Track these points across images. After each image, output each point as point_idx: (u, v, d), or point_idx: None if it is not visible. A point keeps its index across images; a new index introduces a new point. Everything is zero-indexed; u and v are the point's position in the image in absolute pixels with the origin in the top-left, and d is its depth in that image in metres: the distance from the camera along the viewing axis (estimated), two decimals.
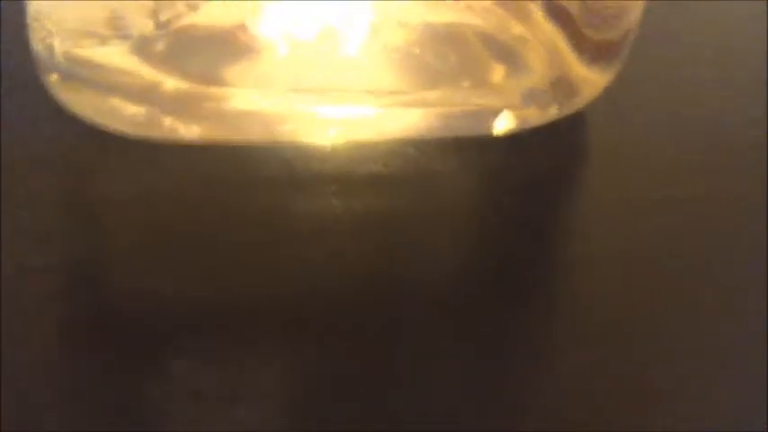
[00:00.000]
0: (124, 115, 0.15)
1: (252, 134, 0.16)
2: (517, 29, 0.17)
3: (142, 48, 0.15)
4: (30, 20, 0.15)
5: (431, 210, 0.16)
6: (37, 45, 0.15)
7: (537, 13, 0.17)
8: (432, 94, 0.17)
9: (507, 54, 0.17)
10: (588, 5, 0.17)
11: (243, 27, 0.16)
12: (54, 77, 0.15)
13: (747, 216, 0.17)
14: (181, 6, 0.15)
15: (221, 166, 0.16)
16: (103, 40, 0.15)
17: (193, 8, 0.15)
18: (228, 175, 0.16)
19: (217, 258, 0.14)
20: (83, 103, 0.15)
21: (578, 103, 0.18)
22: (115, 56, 0.15)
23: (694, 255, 0.16)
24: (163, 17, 0.15)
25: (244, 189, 0.15)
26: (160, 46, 0.15)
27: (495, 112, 0.17)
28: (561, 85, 0.18)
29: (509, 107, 0.17)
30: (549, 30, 0.17)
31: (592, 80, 0.18)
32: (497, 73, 0.17)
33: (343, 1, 0.16)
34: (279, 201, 0.15)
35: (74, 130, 0.15)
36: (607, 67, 0.18)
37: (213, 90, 0.15)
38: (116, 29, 0.15)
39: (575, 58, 0.18)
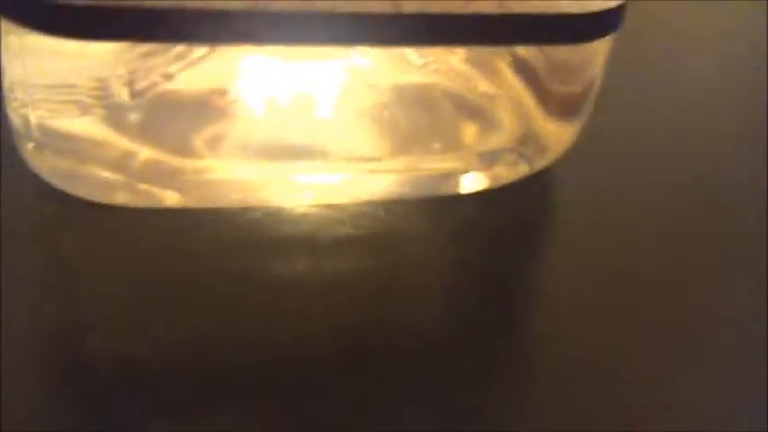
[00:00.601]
0: (99, 184, 0.16)
1: (228, 201, 0.16)
2: (485, 86, 0.18)
3: (117, 118, 0.15)
4: (5, 90, 0.15)
5: (399, 271, 0.16)
6: (12, 114, 0.15)
7: (504, 69, 0.18)
8: (404, 159, 0.17)
9: (477, 112, 0.18)
10: (552, 60, 0.17)
11: (217, 92, 0.16)
12: (30, 146, 0.16)
13: (716, 278, 0.17)
14: (156, 76, 0.16)
15: (191, 229, 0.16)
16: (78, 110, 0.15)
17: (168, 78, 0.16)
18: (199, 239, 0.16)
19: (187, 319, 0.15)
20: (58, 172, 0.16)
21: (547, 158, 0.18)
22: (90, 126, 0.15)
23: (661, 311, 0.16)
24: (138, 86, 0.16)
25: (215, 251, 0.16)
26: (134, 116, 0.16)
27: (465, 172, 0.18)
28: (530, 142, 0.18)
29: (479, 166, 0.18)
30: (516, 85, 0.18)
31: (559, 134, 0.18)
32: (468, 133, 0.18)
33: (315, 63, 0.16)
34: (249, 263, 0.16)
35: (49, 196, 0.16)
36: (572, 119, 0.18)
37: (188, 161, 0.16)
38: (91, 99, 0.15)
39: (541, 112, 0.18)
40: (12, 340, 0.14)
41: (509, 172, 0.18)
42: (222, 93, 0.16)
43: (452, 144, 0.18)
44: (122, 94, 0.15)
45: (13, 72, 0.15)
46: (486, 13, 0.15)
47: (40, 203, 0.16)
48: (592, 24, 0.16)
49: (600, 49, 0.17)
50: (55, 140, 0.15)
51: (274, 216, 0.16)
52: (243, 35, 0.14)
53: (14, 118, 0.15)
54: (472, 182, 0.18)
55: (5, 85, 0.15)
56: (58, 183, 0.16)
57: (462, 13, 0.14)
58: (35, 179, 0.16)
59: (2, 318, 0.14)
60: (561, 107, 0.18)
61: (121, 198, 0.16)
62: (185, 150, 0.16)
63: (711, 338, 0.16)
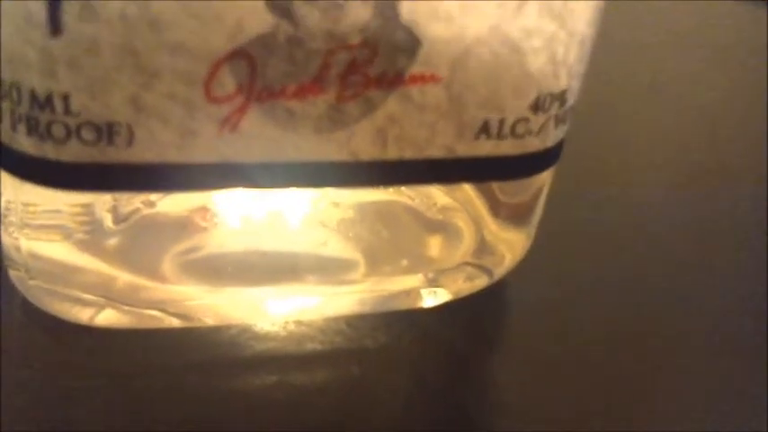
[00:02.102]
0: (81, 305, 0.17)
1: (203, 321, 0.18)
2: (444, 200, 0.19)
3: (99, 243, 0.17)
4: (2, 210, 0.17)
5: (360, 384, 0.17)
6: (6, 239, 0.17)
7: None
8: (371, 279, 0.19)
9: (437, 227, 0.19)
10: None
11: (195, 211, 0.18)
12: (19, 272, 0.17)
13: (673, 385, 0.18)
14: (138, 203, 0.17)
15: (161, 348, 0.17)
16: (61, 235, 0.17)
17: (150, 205, 0.17)
18: (169, 358, 0.17)
19: None
20: (43, 294, 0.17)
21: (504, 267, 0.20)
22: (71, 251, 0.17)
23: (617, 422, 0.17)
24: (121, 212, 0.17)
25: (183, 370, 0.17)
26: (115, 241, 0.17)
27: (427, 287, 0.19)
28: (487, 252, 0.19)
29: (440, 281, 0.19)
30: (472, 197, 0.19)
31: (513, 241, 0.20)
32: (430, 248, 0.19)
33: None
34: (217, 380, 0.17)
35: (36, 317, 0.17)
36: (524, 225, 0.20)
37: (166, 287, 0.17)
38: (75, 224, 0.17)
39: (494, 221, 0.20)
40: None
41: (469, 284, 0.19)
42: (199, 211, 0.18)
43: (416, 260, 0.19)
44: (106, 220, 0.17)
45: (8, 193, 0.16)
46: (435, 158, 0.16)
47: (28, 325, 0.17)
48: (536, 162, 0.17)
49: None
50: (40, 263, 0.17)
51: (245, 333, 0.18)
52: (212, 184, 0.15)
53: (7, 243, 0.17)
54: (433, 297, 0.19)
55: (3, 204, 0.17)
56: (43, 304, 0.17)
57: (414, 158, 0.16)
58: (24, 300, 0.17)
59: None
60: (513, 214, 0.20)
61: (103, 320, 0.17)
62: (162, 276, 0.17)
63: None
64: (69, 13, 0.13)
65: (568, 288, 0.21)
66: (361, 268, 0.18)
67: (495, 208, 0.19)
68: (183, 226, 0.17)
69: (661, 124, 0.29)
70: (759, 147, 0.27)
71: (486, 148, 0.16)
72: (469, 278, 0.19)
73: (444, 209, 0.19)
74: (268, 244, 0.18)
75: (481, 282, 0.20)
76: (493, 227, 0.19)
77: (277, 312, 0.18)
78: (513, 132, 0.16)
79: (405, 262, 0.19)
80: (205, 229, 0.18)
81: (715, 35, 0.36)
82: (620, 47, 0.31)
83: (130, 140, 0.14)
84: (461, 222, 0.19)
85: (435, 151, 0.16)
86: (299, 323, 0.18)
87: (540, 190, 0.19)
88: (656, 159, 0.27)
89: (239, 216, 0.18)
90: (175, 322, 0.18)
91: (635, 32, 0.34)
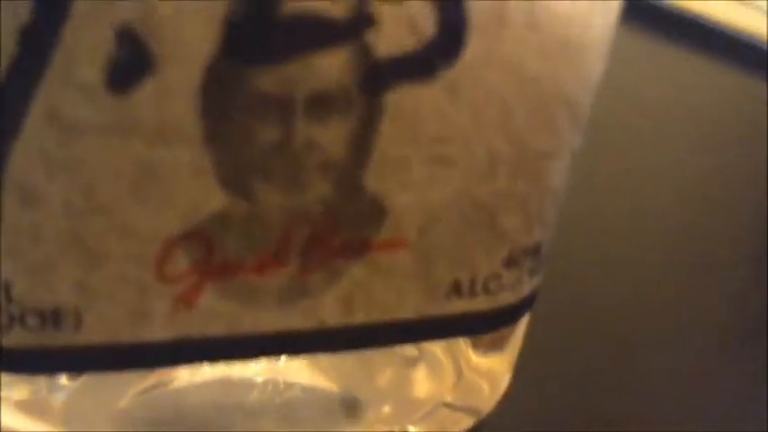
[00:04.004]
0: None
1: None
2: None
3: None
4: None
5: None
6: None
7: None
8: (351, 421, 0.18)
9: (417, 361, 0.18)
10: None
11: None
12: None
13: None
14: None
15: None
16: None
17: None
18: None
19: None
20: None
21: (485, 406, 0.19)
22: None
23: None
24: None
25: None
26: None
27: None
28: (466, 390, 0.19)
29: (425, 424, 0.18)
30: None
31: (492, 374, 0.19)
32: (416, 388, 0.18)
33: None
34: None
35: None
36: (501, 355, 0.19)
37: None
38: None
39: (472, 353, 0.19)
40: None
41: (453, 425, 0.19)
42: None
43: (401, 403, 0.18)
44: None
45: None
46: (405, 320, 0.15)
47: None
48: (510, 313, 0.16)
49: None
50: None
51: None
52: (168, 361, 0.14)
53: None
54: None
55: None
56: None
57: (382, 321, 0.15)
58: None
59: None
60: (490, 344, 0.19)
61: None
62: None
63: None
64: (8, 201, 0.12)
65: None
66: (348, 415, 0.17)
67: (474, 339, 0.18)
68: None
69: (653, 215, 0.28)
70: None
71: (457, 306, 0.15)
72: (452, 417, 0.19)
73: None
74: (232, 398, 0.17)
75: (465, 421, 0.19)
76: (473, 359, 0.19)
77: None
78: (485, 289, 0.15)
79: (388, 407, 0.18)
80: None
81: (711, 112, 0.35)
82: (610, 129, 0.30)
83: (78, 324, 0.13)
84: (442, 356, 0.19)
85: (405, 313, 0.15)
86: None
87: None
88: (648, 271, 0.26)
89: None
90: None
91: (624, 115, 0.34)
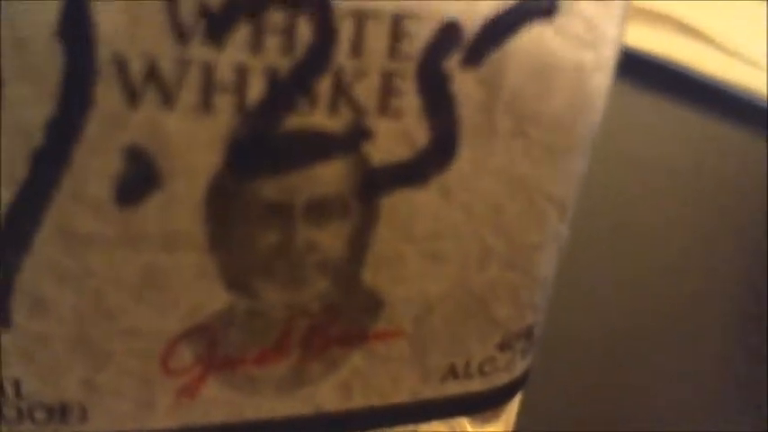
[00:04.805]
0: None
1: None
2: None
3: None
4: None
5: None
6: None
7: None
8: None
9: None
10: None
11: None
12: None
13: None
14: None
15: None
16: None
17: None
18: None
19: None
20: None
21: None
22: None
23: None
24: None
25: None
26: None
27: None
28: None
29: None
30: None
31: None
32: None
33: None
34: None
35: None
36: (497, 423, 0.20)
37: None
38: None
39: (469, 426, 0.19)
40: None
41: None
42: None
43: None
44: None
45: None
46: (402, 403, 0.16)
47: None
48: (504, 392, 0.17)
49: None
50: None
51: None
52: None
53: None
54: None
55: None
56: None
57: (380, 405, 0.16)
58: None
59: None
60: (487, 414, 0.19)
61: None
62: None
63: None
64: (18, 310, 0.13)
65: None
66: None
67: None
68: None
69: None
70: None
71: (453, 388, 0.16)
72: None
73: None
74: None
75: None
76: (468, 428, 0.19)
77: None
78: (480, 371, 0.16)
79: None
80: None
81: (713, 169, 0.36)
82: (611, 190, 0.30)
83: (84, 417, 0.14)
84: (436, 423, 0.19)
85: (401, 397, 0.16)
86: None
87: None
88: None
89: None
90: None
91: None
